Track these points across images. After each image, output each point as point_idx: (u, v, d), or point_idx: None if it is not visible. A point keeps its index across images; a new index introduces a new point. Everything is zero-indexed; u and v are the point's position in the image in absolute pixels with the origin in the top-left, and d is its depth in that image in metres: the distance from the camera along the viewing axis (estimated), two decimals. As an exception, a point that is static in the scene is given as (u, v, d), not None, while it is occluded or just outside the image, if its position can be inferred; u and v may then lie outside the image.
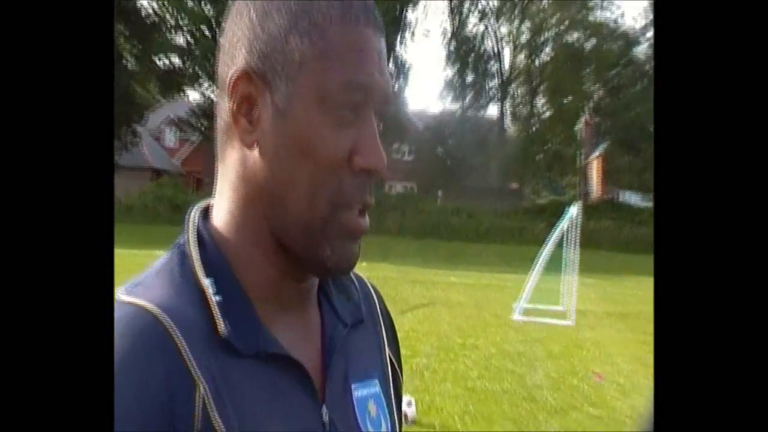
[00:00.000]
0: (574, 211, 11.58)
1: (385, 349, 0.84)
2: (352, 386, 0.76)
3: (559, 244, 11.83)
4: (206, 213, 0.74)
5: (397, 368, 0.86)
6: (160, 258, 0.72)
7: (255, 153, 0.68)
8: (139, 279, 0.70)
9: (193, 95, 36.13)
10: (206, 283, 0.67)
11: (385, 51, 0.71)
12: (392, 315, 0.90)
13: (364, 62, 0.67)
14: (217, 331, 0.65)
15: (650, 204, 33.30)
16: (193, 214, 0.73)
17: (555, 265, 11.63)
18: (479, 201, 32.97)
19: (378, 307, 0.86)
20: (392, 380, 0.83)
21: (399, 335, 0.90)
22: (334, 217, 0.68)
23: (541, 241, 12.63)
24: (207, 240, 0.71)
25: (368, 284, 0.86)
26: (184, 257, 0.69)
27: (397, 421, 0.81)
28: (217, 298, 0.66)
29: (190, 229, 0.72)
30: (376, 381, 0.80)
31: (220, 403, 0.63)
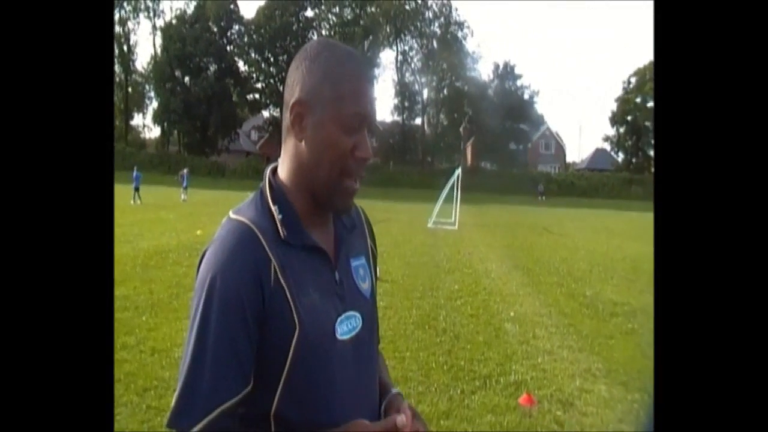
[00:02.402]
0: (458, 172, 19.20)
1: (368, 242, 1.26)
2: (351, 260, 1.17)
3: (451, 188, 18.81)
4: (275, 172, 1.13)
5: (374, 254, 1.27)
6: (251, 195, 1.12)
7: (302, 144, 1.07)
8: (240, 206, 1.10)
9: (265, 114, 59.51)
10: (275, 209, 1.07)
11: (374, 94, 1.09)
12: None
13: (362, 101, 1.06)
14: (281, 234, 1.05)
15: (494, 168, 57.47)
16: (268, 172, 1.13)
17: (449, 198, 18.99)
18: (412, 168, 55.02)
19: (364, 220, 1.27)
20: (372, 257, 1.25)
21: None
22: (341, 182, 1.07)
23: (442, 187, 20.02)
24: (275, 186, 1.10)
25: (359, 208, 1.25)
26: (262, 194, 1.10)
27: (374, 280, 1.23)
28: (280, 216, 1.06)
29: (267, 180, 1.11)
30: (363, 257, 1.21)
31: (284, 271, 1.03)
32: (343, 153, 1.06)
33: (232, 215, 1.08)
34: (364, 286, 1.18)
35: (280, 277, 1.02)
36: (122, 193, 21.00)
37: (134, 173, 23.82)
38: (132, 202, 22.11)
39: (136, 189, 23.25)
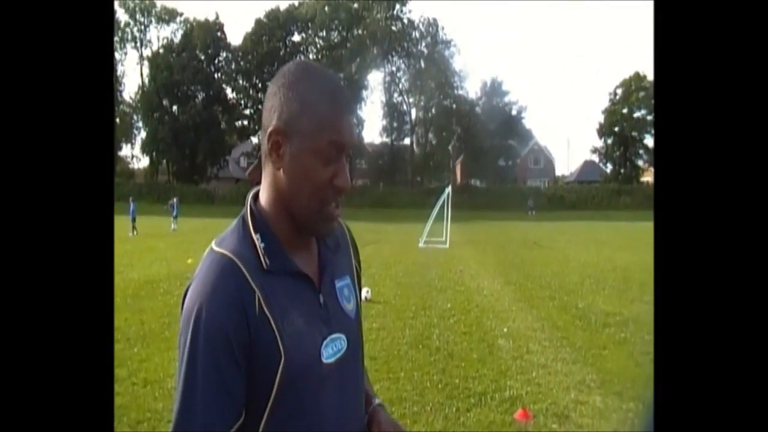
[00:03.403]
0: (448, 190, 19.64)
1: (352, 262, 1.25)
2: (335, 282, 1.17)
3: (441, 207, 19.03)
4: (256, 198, 1.12)
5: (358, 272, 1.27)
6: (233, 223, 1.11)
7: (280, 173, 1.06)
8: (222, 236, 1.10)
9: (254, 140, 58.83)
10: (256, 237, 1.07)
11: (353, 123, 1.10)
12: (358, 246, 1.29)
13: (341, 130, 1.05)
14: (263, 264, 1.04)
15: (483, 185, 57.60)
16: (249, 198, 1.12)
17: (439, 217, 19.19)
18: (401, 188, 55.64)
19: (349, 239, 1.27)
20: (356, 278, 1.25)
21: (361, 257, 1.30)
22: (321, 209, 1.08)
23: (432, 206, 20.26)
24: (257, 213, 1.09)
25: (344, 226, 1.25)
26: (244, 223, 1.09)
27: (359, 299, 1.23)
28: (262, 245, 1.06)
29: (248, 207, 1.11)
30: (348, 278, 1.21)
31: (267, 301, 1.03)
32: (321, 183, 1.06)
33: (214, 247, 1.08)
34: (349, 306, 1.18)
35: (264, 307, 1.02)
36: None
37: (130, 205, 23.68)
38: (130, 233, 21.94)
39: (133, 220, 23.08)
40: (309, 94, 1.05)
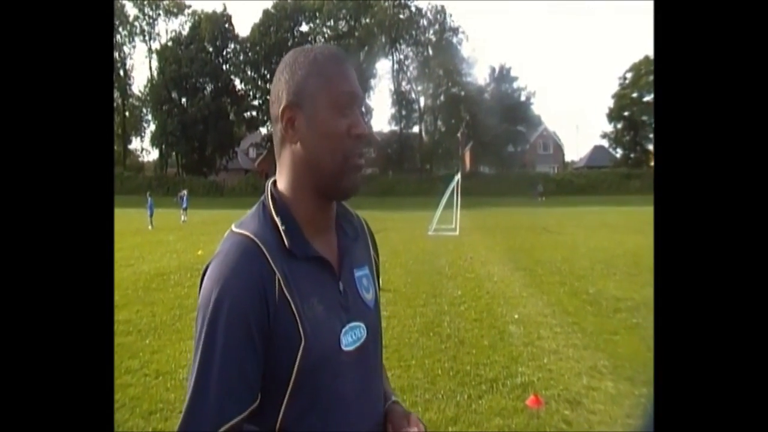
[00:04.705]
0: (457, 177, 19.71)
1: (371, 252, 1.27)
2: (354, 270, 1.16)
3: (450, 194, 18.97)
4: (275, 184, 1.14)
5: (377, 264, 1.29)
6: (252, 208, 1.12)
7: (298, 146, 1.07)
8: (243, 220, 1.10)
9: (263, 131, 59.31)
10: (278, 219, 1.06)
11: (356, 77, 1.11)
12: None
13: (350, 81, 1.08)
14: (285, 246, 1.04)
15: (492, 172, 57.77)
16: (268, 184, 1.14)
17: (448, 204, 19.09)
18: (410, 176, 55.55)
19: (367, 230, 1.30)
20: (375, 267, 1.26)
21: None
22: (346, 163, 1.07)
23: (441, 194, 20.21)
24: (276, 197, 1.10)
25: (362, 218, 1.29)
26: (264, 207, 1.10)
27: (378, 290, 1.24)
28: (283, 227, 1.05)
29: (268, 192, 1.12)
30: (367, 267, 1.21)
31: (288, 283, 1.02)
32: (341, 135, 1.06)
33: (234, 229, 1.07)
34: (368, 296, 1.17)
35: (284, 290, 1.01)
36: (121, 218, 21.54)
37: (148, 200, 24.15)
38: (150, 227, 22.24)
39: (151, 215, 23.49)
40: (311, 61, 1.07)
